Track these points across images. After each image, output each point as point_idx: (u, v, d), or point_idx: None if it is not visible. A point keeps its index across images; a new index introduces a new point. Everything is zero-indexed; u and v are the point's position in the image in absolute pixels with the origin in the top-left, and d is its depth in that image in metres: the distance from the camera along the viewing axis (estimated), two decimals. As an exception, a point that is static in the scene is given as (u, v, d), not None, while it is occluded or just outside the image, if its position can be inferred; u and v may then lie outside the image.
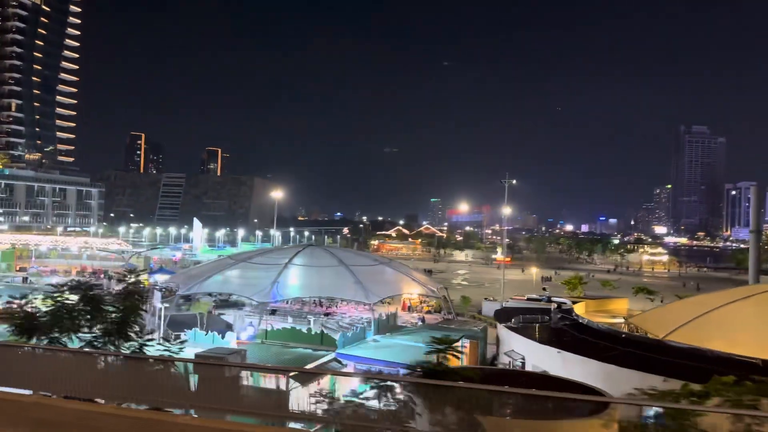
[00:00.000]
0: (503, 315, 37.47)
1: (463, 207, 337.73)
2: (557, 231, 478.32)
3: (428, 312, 54.47)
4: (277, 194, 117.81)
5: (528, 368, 30.68)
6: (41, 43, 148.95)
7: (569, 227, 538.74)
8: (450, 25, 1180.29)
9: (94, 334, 16.99)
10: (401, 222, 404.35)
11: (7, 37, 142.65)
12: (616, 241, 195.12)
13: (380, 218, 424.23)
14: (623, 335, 30.55)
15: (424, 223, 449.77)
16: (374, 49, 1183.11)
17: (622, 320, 39.19)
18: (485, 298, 58.42)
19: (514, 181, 68.93)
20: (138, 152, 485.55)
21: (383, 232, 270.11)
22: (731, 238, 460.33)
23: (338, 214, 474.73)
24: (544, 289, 59.36)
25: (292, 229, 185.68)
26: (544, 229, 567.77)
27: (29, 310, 17.84)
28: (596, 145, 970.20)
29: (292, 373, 22.32)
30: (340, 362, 24.80)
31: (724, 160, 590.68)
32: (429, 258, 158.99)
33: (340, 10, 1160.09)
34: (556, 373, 26.81)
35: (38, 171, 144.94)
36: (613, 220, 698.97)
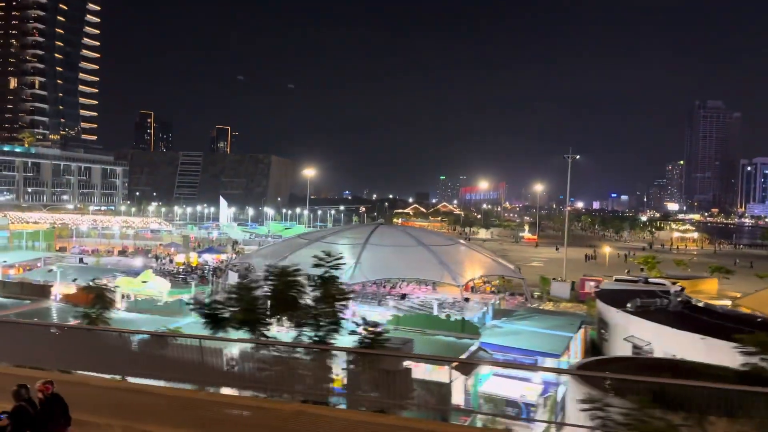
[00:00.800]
0: (607, 298, 35.81)
1: (483, 185, 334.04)
2: (568, 208, 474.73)
3: (492, 292, 53.04)
4: (310, 172, 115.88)
5: (658, 356, 29.06)
6: (63, 19, 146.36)
7: (579, 204, 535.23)
8: (457, 8, 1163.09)
9: (289, 326, 15.38)
10: (410, 200, 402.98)
11: (29, 12, 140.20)
12: (644, 218, 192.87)
13: (390, 196, 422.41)
14: (759, 319, 28.89)
15: (434, 200, 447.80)
16: (377, 33, 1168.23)
17: (729, 302, 37.54)
18: (553, 279, 56.85)
19: (578, 156, 66.92)
20: (148, 130, 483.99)
21: (400, 210, 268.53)
22: (746, 215, 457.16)
23: (346, 192, 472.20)
24: (641, 269, 57.57)
25: (335, 208, 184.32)
26: (554, 206, 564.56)
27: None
28: (606, 121, 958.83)
29: (453, 364, 20.51)
30: (486, 351, 23.24)
31: (739, 135, 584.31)
32: (456, 236, 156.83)
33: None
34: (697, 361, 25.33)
35: (63, 149, 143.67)
36: (624, 197, 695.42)
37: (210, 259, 71.58)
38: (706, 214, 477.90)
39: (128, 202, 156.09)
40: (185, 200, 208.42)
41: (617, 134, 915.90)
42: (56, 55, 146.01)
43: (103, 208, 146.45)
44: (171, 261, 68.06)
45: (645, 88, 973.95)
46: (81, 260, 58.45)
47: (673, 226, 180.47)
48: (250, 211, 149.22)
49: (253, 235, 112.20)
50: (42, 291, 31.52)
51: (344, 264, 16.11)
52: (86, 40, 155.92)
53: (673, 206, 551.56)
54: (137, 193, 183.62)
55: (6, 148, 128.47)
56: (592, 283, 54.55)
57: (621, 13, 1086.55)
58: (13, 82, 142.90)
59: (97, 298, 18.09)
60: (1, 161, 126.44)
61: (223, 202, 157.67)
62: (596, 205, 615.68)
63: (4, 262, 46.31)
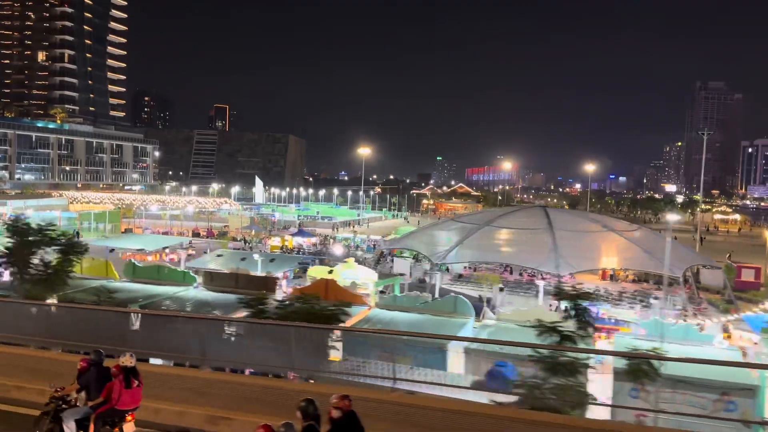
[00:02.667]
0: None
1: (507, 165, 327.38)
2: (568, 189, 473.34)
3: (633, 281, 49.47)
4: (365, 151, 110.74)
5: None
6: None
7: (577, 186, 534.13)
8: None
9: None
10: (407, 180, 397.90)
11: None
12: (680, 199, 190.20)
13: (391, 177, 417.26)
14: None
15: (431, 181, 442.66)
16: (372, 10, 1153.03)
17: None
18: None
19: (712, 132, 63.25)
20: (145, 108, 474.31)
21: (417, 191, 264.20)
22: (748, 196, 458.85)
23: (342, 173, 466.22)
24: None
25: (352, 189, 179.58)
26: (553, 187, 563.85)
27: None
28: (603, 101, 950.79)
29: None
30: None
31: (741, 117, 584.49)
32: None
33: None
34: None
35: (95, 126, 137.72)
36: (622, 178, 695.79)
37: (303, 242, 67.44)
38: (704, 194, 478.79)
39: (158, 181, 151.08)
40: (199, 180, 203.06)
41: (612, 115, 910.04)
42: (85, 27, 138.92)
43: (135, 187, 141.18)
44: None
45: (642, 69, 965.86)
46: (190, 243, 53.85)
47: (704, 207, 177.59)
48: (307, 192, 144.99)
49: (305, 216, 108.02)
50: (266, 284, 27.08)
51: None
52: (113, 12, 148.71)
53: (671, 188, 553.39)
54: (170, 173, 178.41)
55: (40, 125, 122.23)
56: (751, 271, 51.02)
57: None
58: (41, 56, 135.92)
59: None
60: (37, 138, 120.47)
61: (258, 182, 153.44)
62: (594, 186, 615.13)
63: (142, 249, 41.86)
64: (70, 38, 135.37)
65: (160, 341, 14.00)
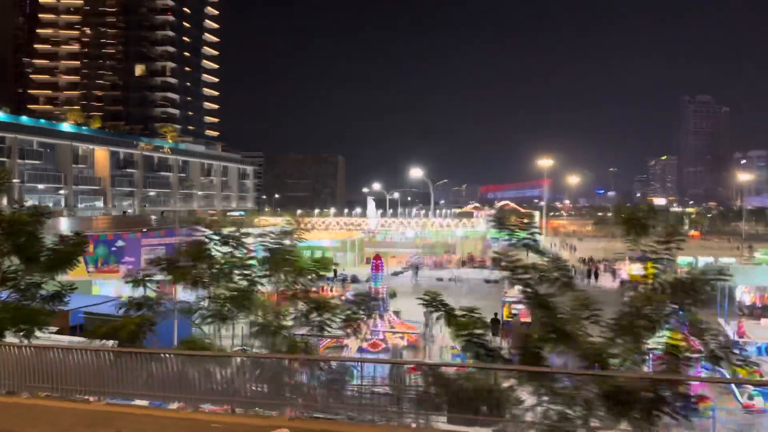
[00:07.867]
0: None
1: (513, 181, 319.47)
2: (559, 204, 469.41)
3: None
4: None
5: None
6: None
7: (566, 201, 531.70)
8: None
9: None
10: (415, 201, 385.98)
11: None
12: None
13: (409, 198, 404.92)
14: None
15: (442, 201, 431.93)
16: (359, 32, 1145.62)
17: None
18: None
19: None
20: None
21: (463, 210, 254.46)
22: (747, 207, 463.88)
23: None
24: None
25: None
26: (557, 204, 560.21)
27: None
28: (587, 115, 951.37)
29: None
30: None
31: (729, 129, 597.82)
32: (608, 236, 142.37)
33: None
34: None
35: (207, 147, 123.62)
36: (611, 193, 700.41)
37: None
38: (700, 206, 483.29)
39: (256, 207, 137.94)
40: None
41: (589, 131, 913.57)
42: (184, 38, 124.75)
43: (235, 213, 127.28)
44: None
45: (629, 81, 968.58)
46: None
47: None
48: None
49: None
50: None
51: None
52: (207, 22, 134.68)
53: (659, 201, 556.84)
54: (276, 196, 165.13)
55: (157, 143, 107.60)
56: None
57: (599, 13, 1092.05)
58: (139, 69, 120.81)
59: None
60: (159, 160, 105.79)
61: (370, 203, 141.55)
62: (583, 201, 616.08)
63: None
64: (172, 49, 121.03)
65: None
